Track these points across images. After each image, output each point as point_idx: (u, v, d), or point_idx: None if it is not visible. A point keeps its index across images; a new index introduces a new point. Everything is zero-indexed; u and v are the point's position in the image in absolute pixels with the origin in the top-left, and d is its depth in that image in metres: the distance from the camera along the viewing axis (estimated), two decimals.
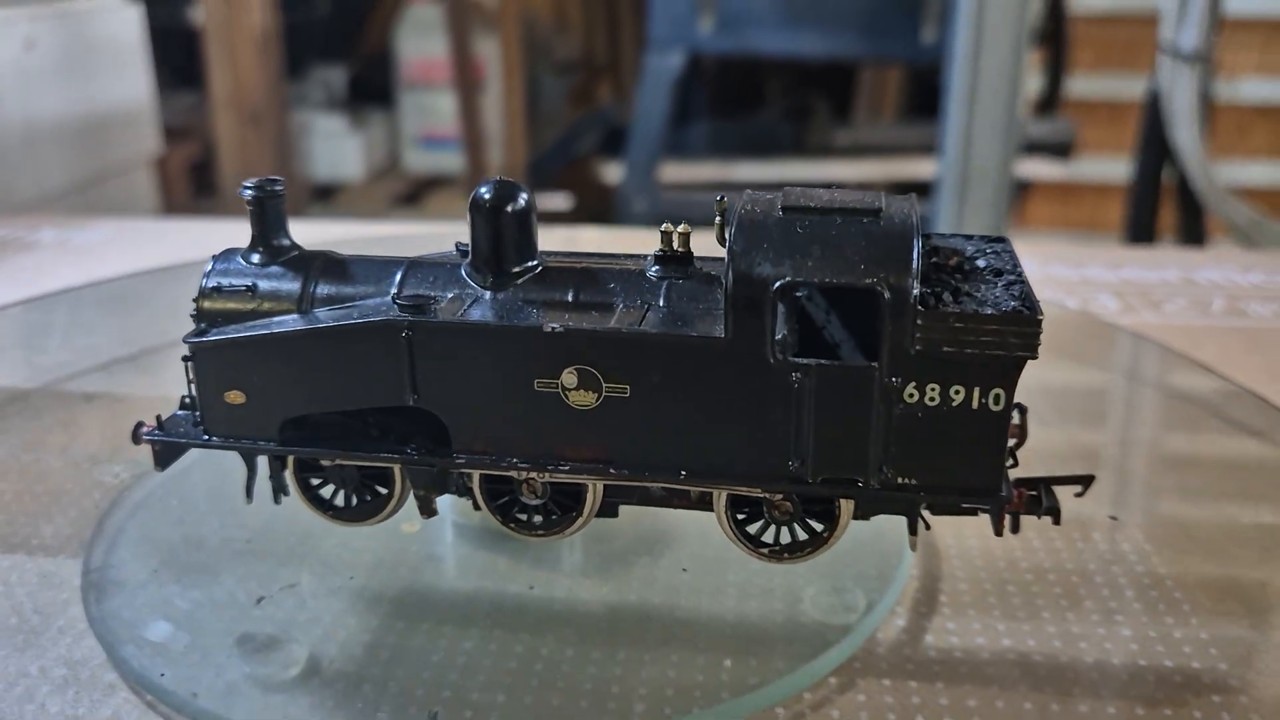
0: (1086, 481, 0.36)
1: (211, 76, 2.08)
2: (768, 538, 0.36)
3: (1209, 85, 1.79)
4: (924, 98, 2.39)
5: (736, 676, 0.35)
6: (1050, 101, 2.46)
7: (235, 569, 0.40)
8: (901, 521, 0.41)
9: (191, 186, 2.16)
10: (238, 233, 0.37)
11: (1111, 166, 2.45)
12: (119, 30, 1.81)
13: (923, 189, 1.84)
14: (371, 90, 2.61)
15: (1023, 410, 0.36)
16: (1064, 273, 0.78)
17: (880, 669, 0.36)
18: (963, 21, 1.79)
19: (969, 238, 0.36)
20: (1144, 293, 0.73)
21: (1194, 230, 1.74)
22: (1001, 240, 0.35)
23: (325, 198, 2.30)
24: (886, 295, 0.30)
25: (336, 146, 2.41)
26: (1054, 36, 2.30)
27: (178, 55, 2.17)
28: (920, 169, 1.97)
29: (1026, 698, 0.35)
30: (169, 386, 0.57)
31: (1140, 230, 1.76)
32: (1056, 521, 0.34)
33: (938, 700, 0.35)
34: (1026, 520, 0.35)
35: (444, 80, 2.44)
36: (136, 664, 0.35)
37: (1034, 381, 0.34)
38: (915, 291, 0.30)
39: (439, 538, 0.42)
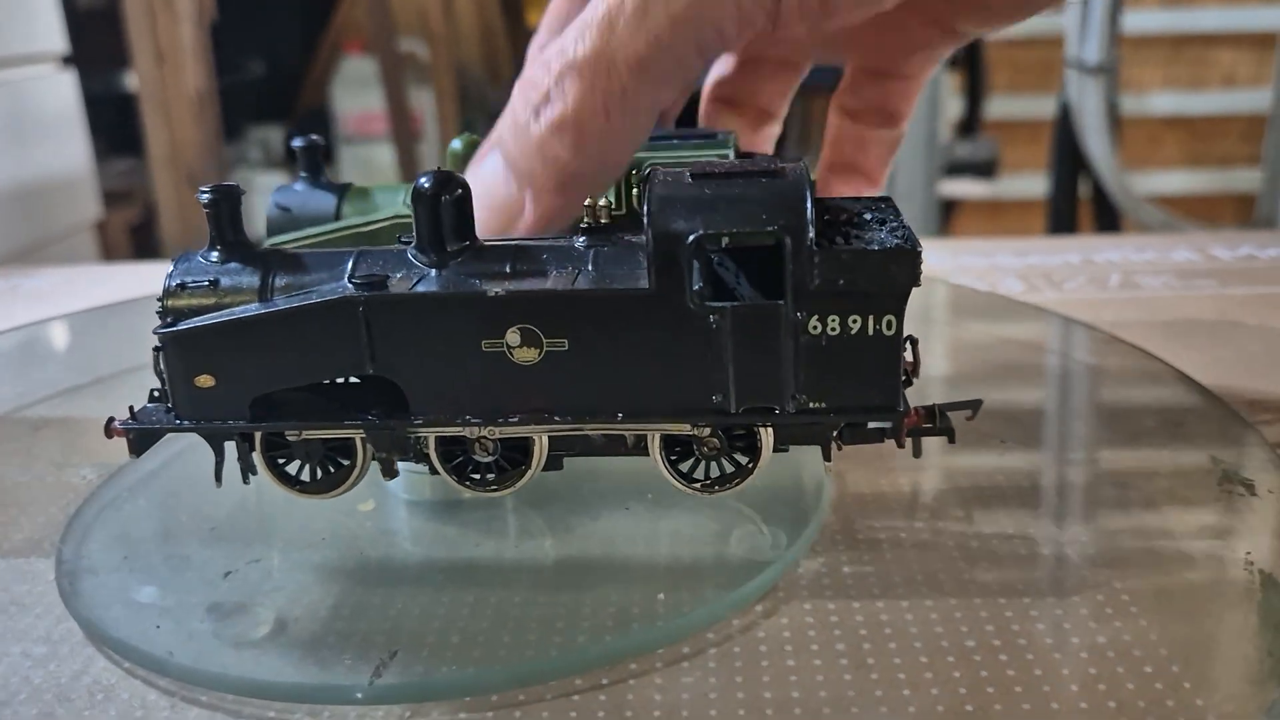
0: (975, 406, 0.40)
1: (149, 140, 2.10)
2: (699, 475, 0.40)
3: (1115, 96, 1.88)
4: None
5: (670, 606, 0.38)
6: (971, 123, 2.55)
7: (202, 551, 0.43)
8: (817, 469, 0.45)
9: (133, 248, 2.17)
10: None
11: (1034, 182, 2.54)
12: (55, 97, 1.83)
13: None
14: (308, 148, 2.64)
15: (914, 341, 0.40)
16: (973, 261, 0.83)
17: (801, 595, 0.40)
18: None
19: (856, 199, 0.40)
20: (1046, 274, 0.78)
21: (1110, 233, 1.82)
22: (885, 199, 0.39)
23: None
24: (787, 239, 0.34)
25: None
26: (969, 60, 2.40)
27: (114, 120, 2.19)
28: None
29: (933, 609, 0.38)
30: (123, 409, 0.60)
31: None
32: (951, 440, 0.38)
33: (854, 618, 0.38)
34: (928, 458, 0.39)
35: (382, 132, 2.49)
36: (113, 632, 0.38)
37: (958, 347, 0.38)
38: (811, 234, 0.34)
39: (393, 514, 0.46)
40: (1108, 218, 1.96)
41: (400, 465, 0.44)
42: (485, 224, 0.38)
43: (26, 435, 0.57)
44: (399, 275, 0.37)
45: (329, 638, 0.37)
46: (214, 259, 0.39)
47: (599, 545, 0.43)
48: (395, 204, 0.47)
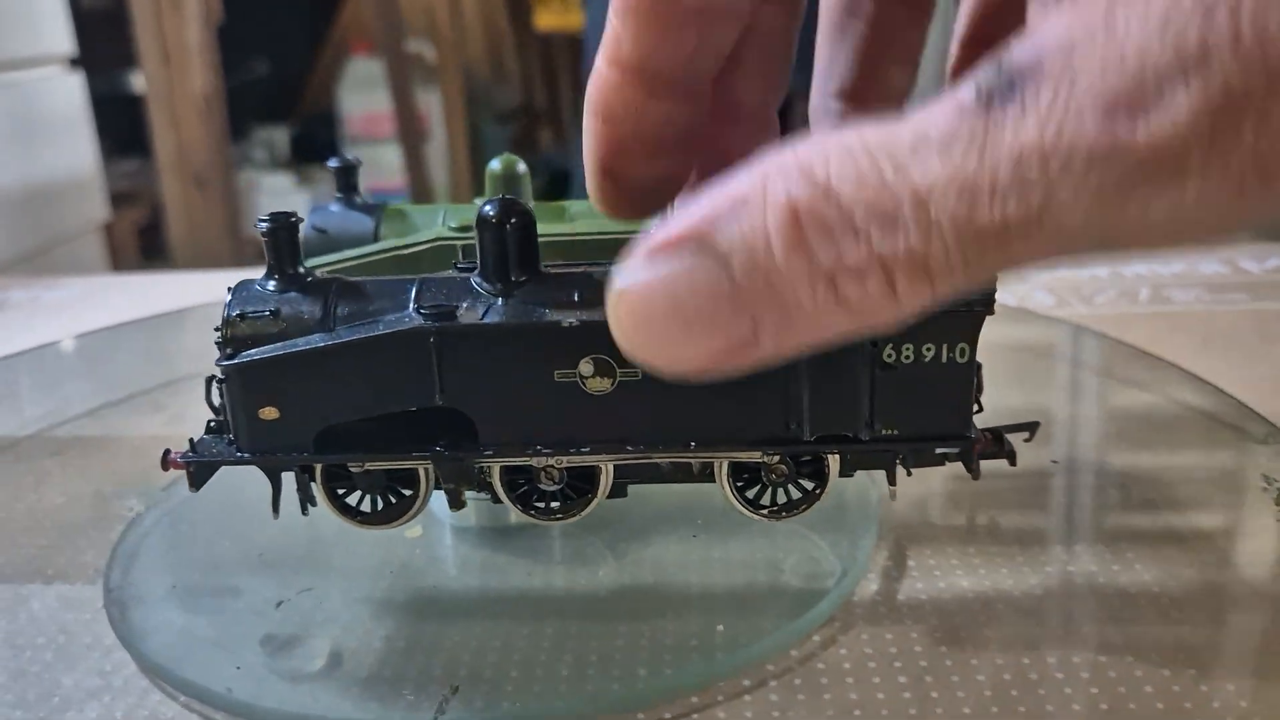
0: (1033, 428, 0.40)
1: (156, 141, 2.10)
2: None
3: None
4: None
5: (728, 637, 0.38)
6: None
7: (251, 580, 0.43)
8: (866, 498, 0.45)
9: (140, 249, 2.16)
10: (205, 284, 0.40)
11: None
12: (62, 99, 1.83)
13: None
14: (315, 147, 2.64)
15: (979, 366, 0.39)
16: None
17: (858, 624, 0.39)
18: None
19: None
20: (1075, 288, 0.78)
21: None
22: None
23: None
24: None
25: (284, 204, 2.43)
26: None
27: (121, 122, 2.19)
28: None
29: (993, 639, 0.38)
30: (159, 427, 0.60)
31: None
32: (1012, 463, 0.38)
33: (913, 648, 0.38)
34: (981, 480, 0.38)
35: (388, 133, 2.48)
36: (168, 665, 0.37)
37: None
38: None
39: (440, 541, 0.45)
40: None
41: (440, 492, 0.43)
42: (670, 334, 0.25)
43: (61, 456, 0.57)
44: (465, 304, 0.36)
45: (385, 671, 0.37)
46: (272, 287, 0.38)
47: (651, 573, 0.42)
48: (434, 225, 0.46)
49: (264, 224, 0.37)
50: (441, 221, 0.45)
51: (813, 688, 0.36)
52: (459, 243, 0.43)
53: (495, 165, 0.46)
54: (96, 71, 2.04)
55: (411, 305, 0.37)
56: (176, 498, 0.50)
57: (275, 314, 0.37)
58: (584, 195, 0.39)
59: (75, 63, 1.85)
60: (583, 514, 0.39)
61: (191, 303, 0.81)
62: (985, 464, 0.39)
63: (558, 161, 2.68)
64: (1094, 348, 0.67)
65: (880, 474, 0.39)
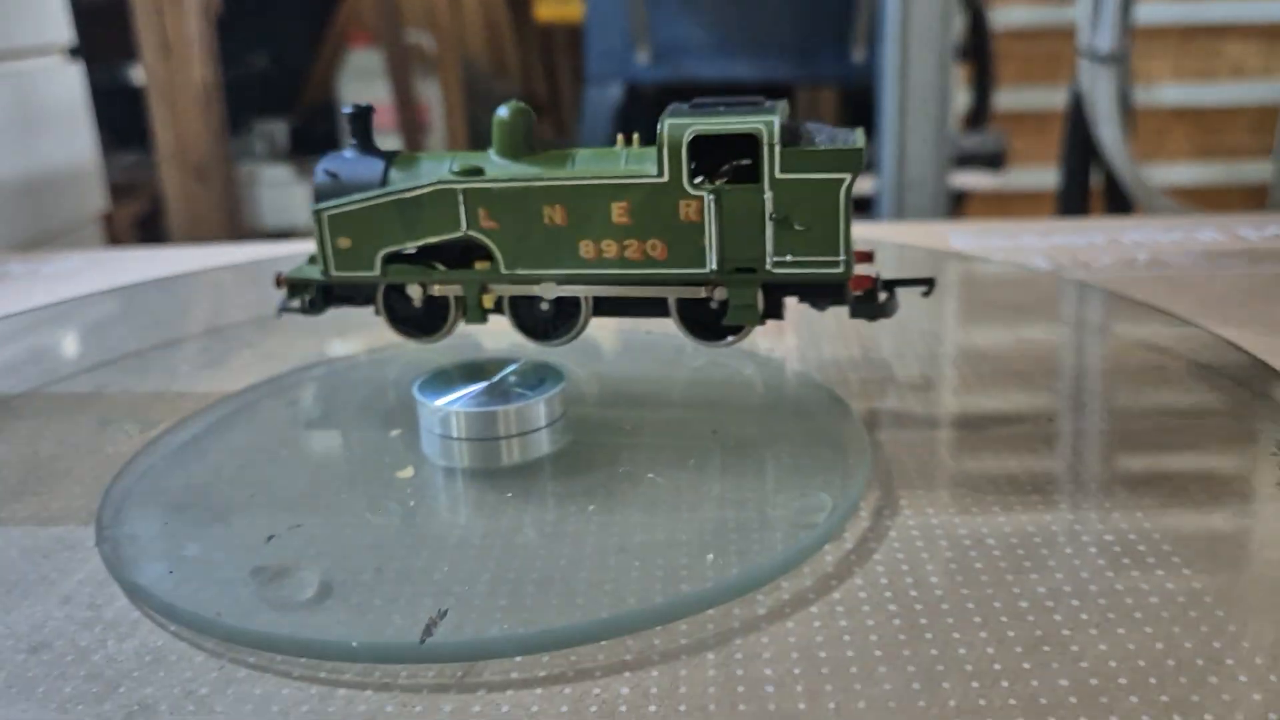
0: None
1: (155, 133, 2.10)
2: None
3: (1127, 85, 1.88)
4: (858, 116, 2.46)
5: (719, 568, 0.38)
6: (980, 115, 2.55)
7: (242, 518, 0.43)
8: (859, 437, 0.46)
9: (139, 240, 2.16)
10: (203, 256, 0.41)
11: (1041, 174, 2.54)
12: (61, 89, 1.83)
13: (863, 204, 1.90)
14: (315, 139, 2.63)
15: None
16: (1000, 243, 0.83)
17: (850, 558, 0.39)
18: (889, 41, 1.86)
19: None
20: (1072, 254, 0.78)
21: None
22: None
23: (278, 241, 2.31)
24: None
25: (284, 195, 2.43)
26: (978, 52, 2.39)
27: (120, 113, 2.19)
28: (858, 184, 2.03)
29: (984, 572, 0.38)
30: (157, 383, 0.60)
31: None
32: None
33: (904, 580, 0.38)
34: (978, 425, 0.39)
35: (389, 125, 2.48)
36: (158, 595, 0.37)
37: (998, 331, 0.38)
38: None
39: (431, 481, 0.45)
40: (1119, 208, 1.95)
41: (435, 433, 0.45)
42: None
43: (56, 409, 0.57)
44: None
45: (375, 600, 0.37)
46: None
47: (642, 510, 0.42)
48: (440, 172, 0.49)
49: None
50: (449, 168, 0.49)
51: (804, 618, 0.36)
52: (459, 186, 0.47)
53: (503, 112, 0.49)
54: (96, 63, 2.04)
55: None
56: (172, 443, 0.50)
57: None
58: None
59: (75, 53, 1.85)
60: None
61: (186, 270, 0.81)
62: (982, 411, 0.40)
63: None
64: (1096, 300, 0.67)
65: (869, 422, 0.45)
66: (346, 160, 0.51)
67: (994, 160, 2.52)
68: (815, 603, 0.37)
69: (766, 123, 0.44)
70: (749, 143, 0.45)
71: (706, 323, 0.50)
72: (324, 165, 0.51)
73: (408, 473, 0.45)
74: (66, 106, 1.82)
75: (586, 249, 0.47)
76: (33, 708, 0.33)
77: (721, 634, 0.35)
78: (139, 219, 2.19)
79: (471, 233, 0.48)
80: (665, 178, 0.45)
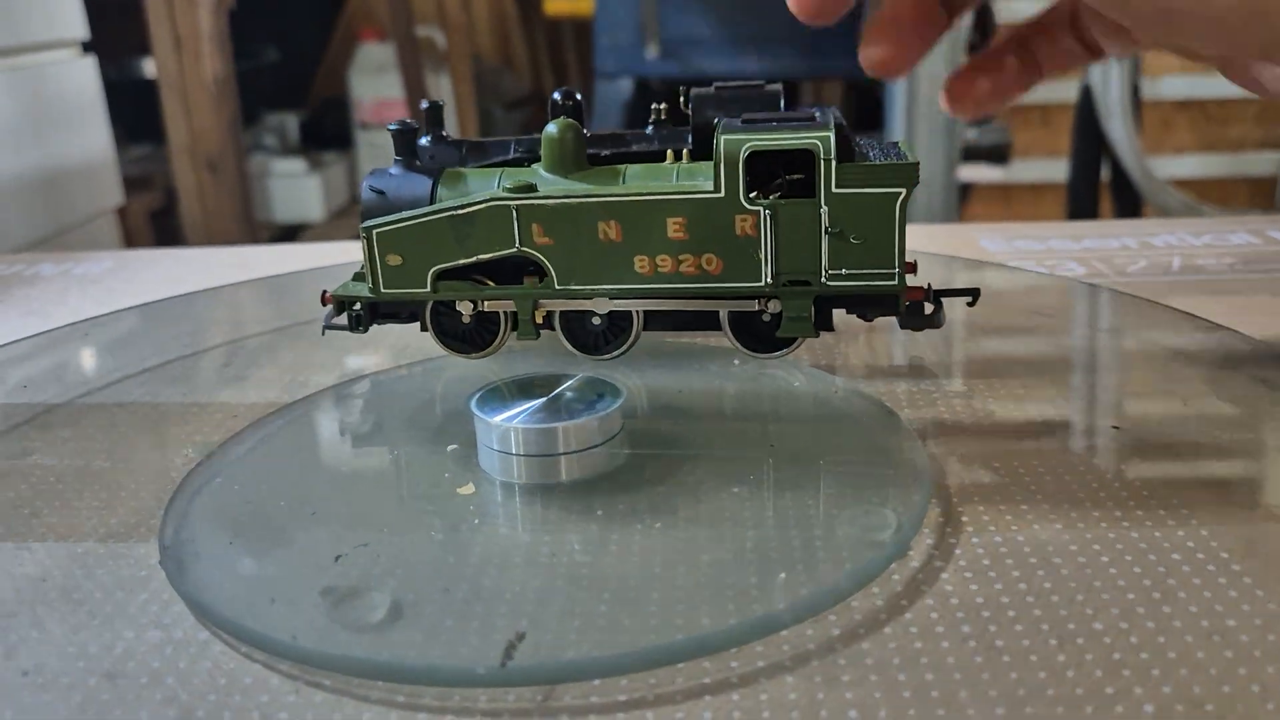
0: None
1: (168, 126, 2.10)
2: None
3: (1137, 79, 1.87)
4: (866, 111, 2.46)
5: (789, 588, 0.38)
6: None
7: (305, 535, 0.43)
8: (916, 458, 0.46)
9: (154, 234, 2.16)
10: (231, 259, 0.41)
11: (1046, 167, 2.53)
12: (75, 83, 1.82)
13: None
14: (326, 133, 2.63)
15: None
16: (1029, 246, 0.82)
17: (917, 576, 0.39)
18: None
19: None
20: (1106, 258, 0.78)
21: (1130, 218, 1.82)
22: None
23: (289, 238, 2.31)
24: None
25: (295, 188, 2.43)
26: (984, 46, 2.39)
27: (133, 107, 2.18)
28: None
29: (1054, 592, 0.38)
30: (200, 393, 0.60)
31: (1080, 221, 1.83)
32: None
33: (974, 599, 0.38)
34: (1033, 434, 0.38)
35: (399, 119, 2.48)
36: (229, 617, 0.37)
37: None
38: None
39: (490, 497, 0.45)
40: (1128, 202, 1.95)
41: (493, 449, 0.45)
42: None
43: (104, 419, 0.57)
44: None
45: (447, 620, 0.37)
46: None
47: (706, 527, 0.42)
48: (490, 189, 0.49)
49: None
50: (498, 185, 0.49)
51: (878, 639, 0.36)
52: (513, 203, 0.47)
53: (552, 129, 0.50)
54: (109, 57, 2.04)
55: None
56: (227, 458, 0.50)
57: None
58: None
59: (88, 47, 1.85)
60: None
61: (218, 276, 0.81)
62: (1035, 420, 0.40)
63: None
64: (1138, 310, 0.66)
65: (921, 434, 0.47)
66: (393, 177, 0.51)
67: (999, 153, 2.51)
68: (889, 624, 0.37)
69: (823, 138, 0.45)
70: (803, 157, 0.45)
71: (759, 335, 0.50)
72: (370, 182, 0.51)
73: (469, 489, 0.45)
74: (80, 100, 1.82)
75: (641, 264, 0.47)
76: None
77: (798, 656, 0.35)
78: (152, 212, 2.19)
79: (525, 249, 0.48)
80: (721, 193, 0.46)
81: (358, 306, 0.51)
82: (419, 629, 0.37)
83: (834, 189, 0.45)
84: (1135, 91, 1.89)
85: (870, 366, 0.60)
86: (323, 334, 0.53)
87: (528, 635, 0.36)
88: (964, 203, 2.59)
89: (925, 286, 0.50)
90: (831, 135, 0.45)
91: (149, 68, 2.21)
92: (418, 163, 0.51)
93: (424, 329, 0.52)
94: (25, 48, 1.71)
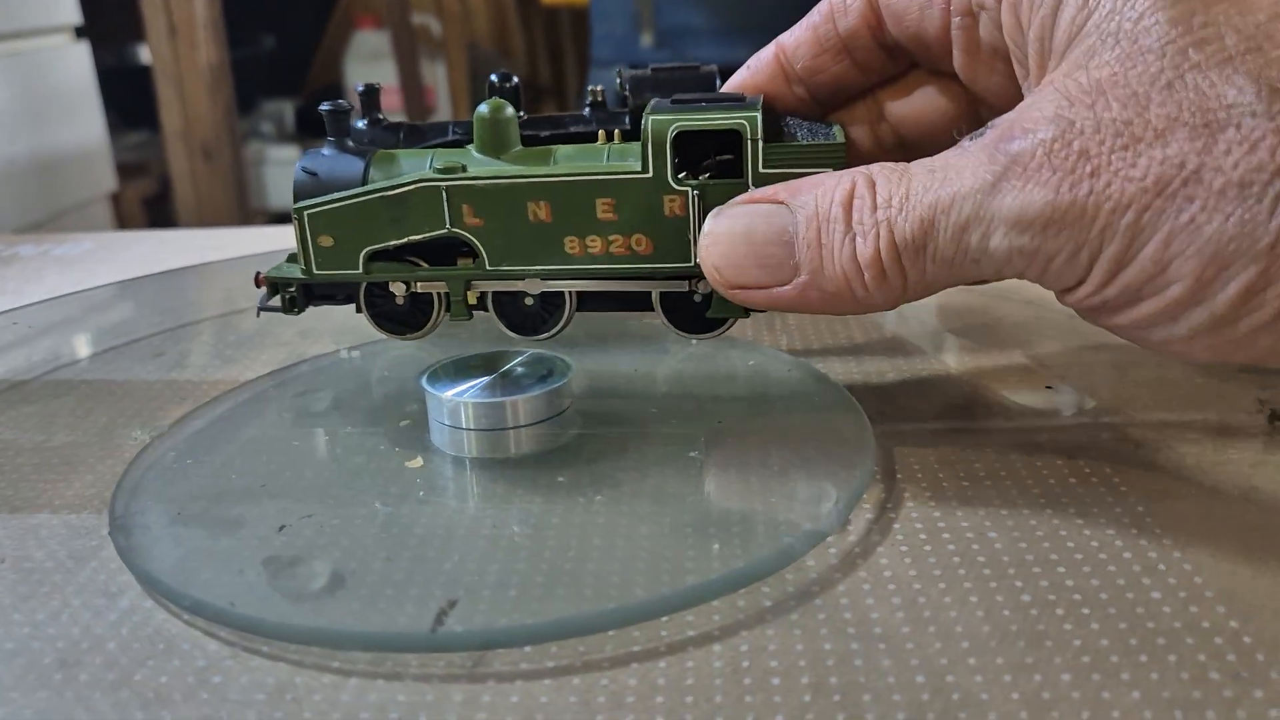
0: None
1: (163, 113, 2.10)
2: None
3: None
4: None
5: (724, 559, 0.38)
6: None
7: (254, 508, 0.43)
8: (862, 432, 0.46)
9: (148, 220, 2.17)
10: (212, 241, 0.42)
11: None
12: (69, 69, 1.83)
13: None
14: (322, 121, 2.63)
15: None
16: None
17: (853, 550, 0.40)
18: None
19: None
20: None
21: None
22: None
23: (283, 224, 2.32)
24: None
25: (290, 176, 2.44)
26: None
27: (128, 93, 2.19)
28: None
29: (986, 566, 0.39)
30: (168, 371, 0.60)
31: None
32: None
33: (908, 572, 0.38)
34: (987, 424, 0.39)
35: (394, 107, 2.48)
36: (171, 584, 0.38)
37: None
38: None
39: (440, 471, 0.46)
40: None
41: (444, 424, 0.46)
42: (738, 258, 0.42)
43: (66, 397, 0.58)
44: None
45: (387, 590, 0.38)
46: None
47: (649, 500, 0.43)
48: (421, 169, 0.49)
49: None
50: (429, 165, 0.49)
51: (808, 610, 0.37)
52: (442, 184, 0.47)
53: (484, 109, 0.49)
54: (103, 43, 2.04)
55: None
56: (183, 433, 0.51)
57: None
58: None
59: (81, 33, 1.85)
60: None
61: (200, 258, 0.82)
62: (991, 400, 0.40)
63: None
64: None
65: (869, 405, 0.45)
66: (325, 158, 0.50)
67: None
68: (820, 595, 0.37)
69: (749, 118, 0.44)
70: (732, 138, 0.45)
71: (691, 315, 0.50)
72: (303, 164, 0.50)
73: (417, 463, 0.46)
74: (74, 87, 1.82)
75: (572, 245, 0.47)
76: (50, 695, 0.34)
77: (727, 626, 0.36)
78: (147, 199, 2.20)
79: (456, 230, 0.47)
80: (650, 174, 0.46)
81: (291, 289, 0.51)
82: (357, 597, 0.37)
83: (761, 169, 0.45)
84: None
85: (829, 347, 0.60)
86: (257, 316, 0.53)
87: (461, 603, 0.36)
88: None
89: None
90: (759, 115, 0.45)
91: (144, 54, 2.21)
92: (350, 144, 0.51)
93: (358, 310, 0.52)
94: (19, 33, 1.71)
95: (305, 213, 0.48)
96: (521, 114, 0.53)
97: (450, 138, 0.55)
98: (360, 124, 0.55)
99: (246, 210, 2.20)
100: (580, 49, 2.88)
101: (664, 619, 0.36)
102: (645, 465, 0.45)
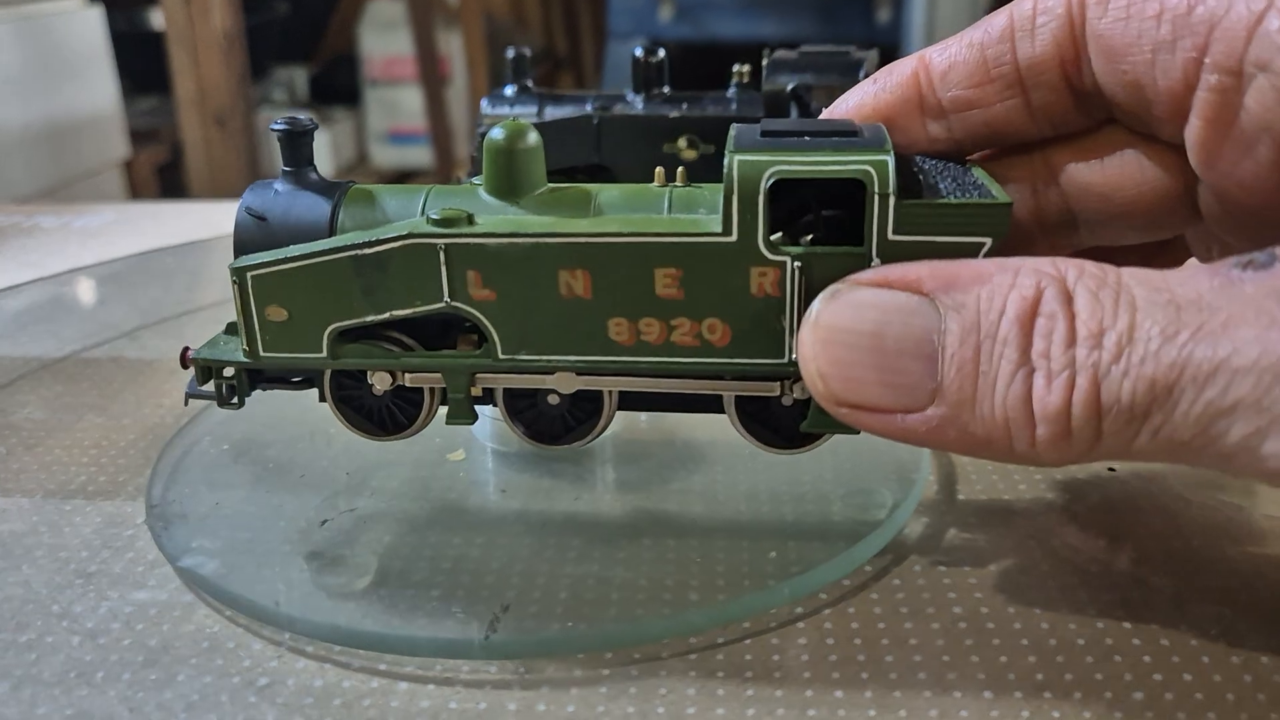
0: None
1: (176, 79, 2.08)
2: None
3: None
4: None
5: (780, 565, 0.37)
6: None
7: (293, 499, 0.42)
8: None
9: (160, 187, 2.15)
10: (232, 212, 0.38)
11: None
12: (82, 33, 1.81)
13: None
14: (335, 88, 2.61)
15: None
16: None
17: (911, 557, 0.39)
18: (916, 1, 1.82)
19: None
20: None
21: None
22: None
23: None
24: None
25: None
26: None
27: (140, 59, 2.17)
28: None
29: (1049, 577, 0.38)
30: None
31: None
32: None
33: (967, 580, 0.37)
34: None
35: (409, 76, 2.45)
36: (213, 580, 0.37)
37: None
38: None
39: (482, 464, 0.45)
40: None
41: (486, 415, 0.43)
42: (856, 366, 0.30)
43: (97, 376, 0.57)
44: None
45: (433, 590, 0.37)
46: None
47: (700, 501, 0.42)
48: (411, 215, 0.36)
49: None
50: (421, 209, 0.36)
51: (867, 618, 0.36)
52: (440, 240, 0.34)
53: (498, 134, 0.36)
54: (116, 8, 2.02)
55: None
56: (217, 415, 0.50)
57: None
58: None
59: None
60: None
61: (220, 229, 0.80)
62: None
63: None
64: None
65: None
66: (279, 196, 0.37)
67: None
68: (879, 604, 0.36)
69: (878, 164, 0.32)
70: (846, 187, 0.33)
71: (775, 424, 0.37)
72: (247, 201, 0.37)
73: (459, 455, 0.45)
74: (87, 52, 1.80)
75: (619, 330, 0.35)
76: (93, 694, 0.33)
77: (786, 634, 0.35)
78: (159, 166, 2.18)
79: (457, 304, 0.35)
80: (733, 236, 0.33)
81: (229, 373, 0.38)
82: (403, 598, 0.36)
83: (891, 235, 0.32)
84: None
85: None
86: (185, 404, 0.42)
87: (511, 608, 0.35)
88: None
89: None
90: (889, 160, 0.32)
91: (157, 19, 2.19)
92: (314, 175, 0.37)
93: (322, 399, 0.39)
94: None
95: (249, 274, 0.35)
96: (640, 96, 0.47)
97: (590, 110, 0.51)
98: (509, 89, 0.52)
99: (258, 177, 2.18)
100: (597, 20, 2.85)
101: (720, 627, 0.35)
102: (694, 463, 0.44)
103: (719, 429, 0.39)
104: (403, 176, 2.58)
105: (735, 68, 0.54)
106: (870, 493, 0.42)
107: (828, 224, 0.35)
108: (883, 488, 0.42)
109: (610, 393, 0.37)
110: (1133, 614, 0.35)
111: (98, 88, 1.82)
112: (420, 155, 2.53)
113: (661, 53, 0.54)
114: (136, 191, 2.03)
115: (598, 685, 0.33)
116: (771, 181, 0.32)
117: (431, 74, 2.38)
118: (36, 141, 1.65)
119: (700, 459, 0.44)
